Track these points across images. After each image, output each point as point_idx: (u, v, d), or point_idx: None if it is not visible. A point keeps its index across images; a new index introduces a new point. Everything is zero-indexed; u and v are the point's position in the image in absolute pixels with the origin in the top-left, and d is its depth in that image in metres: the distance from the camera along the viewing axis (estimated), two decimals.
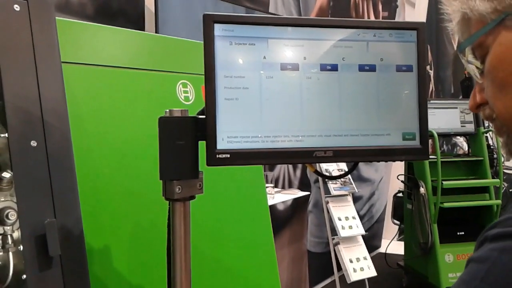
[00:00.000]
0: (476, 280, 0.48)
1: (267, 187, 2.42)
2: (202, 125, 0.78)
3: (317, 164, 2.67)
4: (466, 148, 3.76)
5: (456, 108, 3.58)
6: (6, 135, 0.91)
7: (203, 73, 0.77)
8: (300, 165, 3.31)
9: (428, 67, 5.68)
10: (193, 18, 2.29)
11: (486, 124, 3.70)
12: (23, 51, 0.93)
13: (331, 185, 3.10)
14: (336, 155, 0.81)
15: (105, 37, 1.30)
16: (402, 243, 3.94)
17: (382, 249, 4.66)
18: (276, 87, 0.80)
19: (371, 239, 4.58)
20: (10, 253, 0.96)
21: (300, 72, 0.81)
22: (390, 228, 4.51)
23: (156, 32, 2.09)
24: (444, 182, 3.26)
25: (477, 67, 0.63)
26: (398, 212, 3.93)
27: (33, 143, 0.91)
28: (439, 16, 6.01)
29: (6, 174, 0.99)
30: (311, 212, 3.59)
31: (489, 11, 0.58)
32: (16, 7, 0.92)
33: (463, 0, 0.61)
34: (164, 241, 0.85)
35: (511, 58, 0.57)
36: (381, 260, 3.85)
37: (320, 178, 3.19)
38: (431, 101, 3.57)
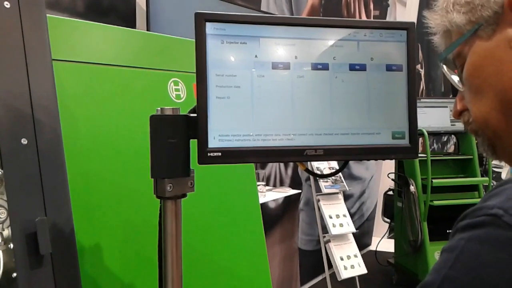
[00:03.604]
0: (445, 268, 0.52)
1: (258, 185, 2.43)
2: (194, 124, 0.78)
3: (308, 162, 2.68)
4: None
5: (447, 107, 3.61)
6: None
7: (195, 71, 0.77)
8: (291, 163, 3.32)
9: (419, 66, 5.72)
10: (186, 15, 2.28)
11: None
12: (13, 48, 0.92)
13: (322, 183, 3.12)
14: (326, 153, 0.81)
15: (97, 34, 1.29)
16: (393, 241, 3.97)
17: (372, 247, 4.69)
18: (267, 86, 0.80)
19: (362, 237, 4.61)
20: (0, 251, 0.96)
21: (291, 71, 0.81)
22: (381, 226, 4.54)
23: (147, 30, 2.09)
24: (434, 180, 3.29)
25: (458, 75, 0.67)
26: (388, 210, 3.95)
27: (24, 141, 0.91)
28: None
29: None
30: (302, 210, 3.61)
31: (465, 23, 0.63)
32: (7, 4, 0.92)
33: (443, 14, 0.66)
34: (156, 239, 0.85)
35: (484, 65, 0.62)
36: (371, 258, 3.87)
37: (311, 176, 3.20)
38: (422, 100, 3.60)
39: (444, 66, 0.69)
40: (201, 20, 0.77)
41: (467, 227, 0.52)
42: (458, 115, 0.70)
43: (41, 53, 0.96)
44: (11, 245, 0.95)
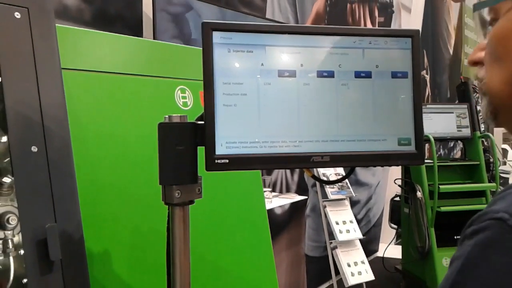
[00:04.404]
0: (453, 274, 0.52)
1: (264, 191, 2.43)
2: (201, 131, 0.79)
3: (314, 168, 2.68)
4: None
5: (453, 112, 3.60)
6: (7, 140, 0.92)
7: (201, 79, 0.78)
8: (297, 170, 3.32)
9: (424, 71, 5.72)
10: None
11: (482, 129, 3.73)
12: (23, 57, 0.94)
13: (329, 189, 3.11)
14: (333, 160, 0.82)
15: (105, 43, 1.31)
16: (400, 247, 3.95)
17: (379, 253, 4.67)
18: (273, 94, 0.81)
19: (369, 243, 4.59)
20: (11, 258, 0.97)
21: (297, 79, 0.82)
22: (388, 232, 4.52)
23: (154, 38, 2.11)
24: (441, 186, 3.27)
25: (490, 23, 0.64)
26: (395, 216, 3.94)
27: (34, 149, 0.92)
28: (434, 21, 6.05)
29: (7, 179, 1.00)
30: (308, 216, 3.60)
31: None
32: (17, 15, 0.94)
33: None
34: (164, 245, 0.86)
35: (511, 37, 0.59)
36: (378, 264, 3.86)
37: (317, 182, 3.20)
38: (428, 106, 3.59)
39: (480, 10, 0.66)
40: (208, 29, 0.78)
41: (473, 233, 0.52)
42: (472, 64, 0.68)
43: (50, 62, 0.98)
44: (22, 251, 0.96)
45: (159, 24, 2.14)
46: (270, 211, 2.88)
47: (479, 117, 3.71)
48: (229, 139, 0.79)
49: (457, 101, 4.02)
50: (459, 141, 4.40)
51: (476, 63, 0.67)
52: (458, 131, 3.58)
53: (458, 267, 0.52)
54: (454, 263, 0.53)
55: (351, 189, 3.24)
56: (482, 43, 0.66)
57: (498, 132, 7.09)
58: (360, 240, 3.13)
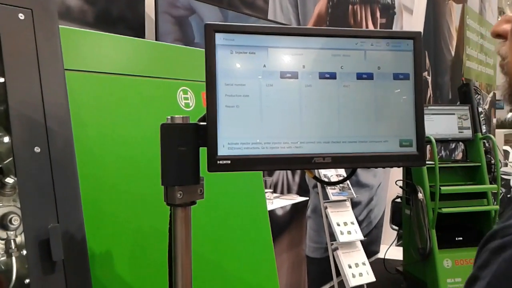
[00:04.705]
0: None
1: (266, 192, 2.44)
2: (203, 132, 0.79)
3: (316, 170, 2.68)
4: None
5: (454, 114, 3.60)
6: (10, 140, 0.92)
7: (203, 80, 0.78)
8: (299, 171, 3.32)
9: (426, 73, 5.72)
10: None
11: (484, 130, 3.73)
12: (27, 58, 0.94)
13: (330, 191, 3.12)
14: (334, 161, 0.82)
15: (107, 44, 1.32)
16: (401, 248, 3.95)
17: (380, 255, 4.67)
18: (276, 95, 0.81)
19: (370, 245, 4.59)
20: (13, 258, 0.98)
21: (299, 80, 0.82)
22: (389, 233, 4.52)
23: (156, 40, 2.11)
24: (442, 188, 3.27)
25: None
26: (396, 218, 3.94)
27: (37, 149, 0.93)
28: (436, 22, 6.05)
29: (10, 180, 1.01)
30: (309, 218, 3.60)
31: None
32: (21, 16, 0.94)
33: None
34: (166, 246, 0.86)
35: None
36: (379, 266, 3.85)
37: (318, 184, 3.20)
38: (429, 107, 3.59)
39: None
40: (210, 31, 0.79)
41: (498, 249, 0.49)
42: (495, 35, 0.63)
43: (53, 63, 0.98)
44: (24, 252, 0.96)
45: (162, 27, 2.15)
46: (271, 212, 2.89)
47: (481, 119, 3.71)
48: (231, 140, 0.79)
49: (458, 103, 4.02)
50: (460, 143, 4.40)
51: (499, 35, 0.62)
52: (459, 132, 3.58)
53: (484, 285, 0.48)
54: (480, 282, 0.49)
55: (352, 190, 3.24)
56: (509, 15, 0.62)
57: (500, 134, 7.10)
58: (361, 241, 3.13)
